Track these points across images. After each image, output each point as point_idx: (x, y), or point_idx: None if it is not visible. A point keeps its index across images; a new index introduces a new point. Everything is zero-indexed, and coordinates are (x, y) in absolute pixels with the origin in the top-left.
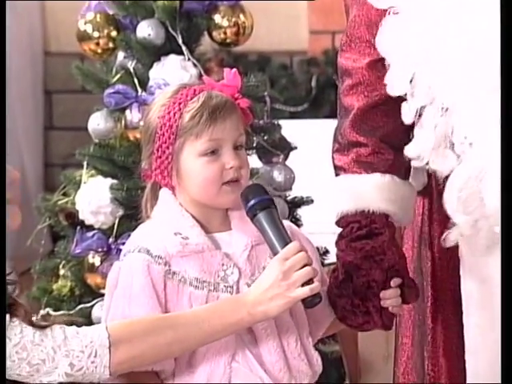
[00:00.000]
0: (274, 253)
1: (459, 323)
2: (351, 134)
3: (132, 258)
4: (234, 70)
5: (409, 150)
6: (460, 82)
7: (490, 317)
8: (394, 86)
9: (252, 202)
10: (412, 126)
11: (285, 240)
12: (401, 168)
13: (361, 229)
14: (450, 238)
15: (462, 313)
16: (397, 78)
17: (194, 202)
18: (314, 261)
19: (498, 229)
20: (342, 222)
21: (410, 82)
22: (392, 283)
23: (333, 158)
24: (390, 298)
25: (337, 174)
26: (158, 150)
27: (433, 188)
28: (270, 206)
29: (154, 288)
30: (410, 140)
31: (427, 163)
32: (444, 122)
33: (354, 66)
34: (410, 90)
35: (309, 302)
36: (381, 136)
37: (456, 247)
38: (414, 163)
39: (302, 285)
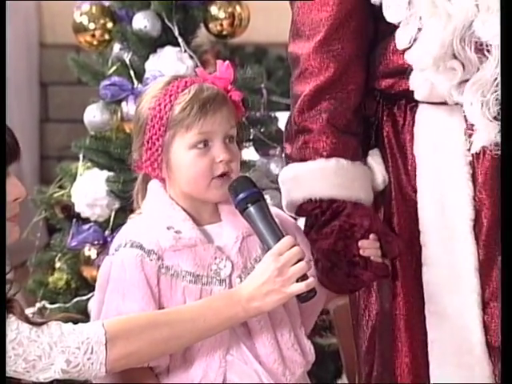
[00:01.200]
0: (267, 248)
1: (422, 312)
2: (298, 121)
3: (124, 252)
4: (227, 62)
5: (409, 54)
6: None
7: (457, 303)
8: (391, 12)
9: (241, 196)
10: (357, 109)
11: (277, 234)
12: (348, 150)
13: (324, 213)
14: (477, 143)
15: (423, 303)
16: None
17: (185, 194)
18: (303, 248)
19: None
20: (301, 212)
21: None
22: (370, 237)
23: (284, 147)
24: (368, 247)
25: (286, 163)
26: (148, 142)
27: (392, 185)
28: (260, 199)
29: (148, 283)
30: (356, 122)
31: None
32: (451, 28)
33: (300, 53)
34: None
35: (304, 297)
36: (327, 119)
37: (418, 239)
38: (415, 69)
39: (297, 280)
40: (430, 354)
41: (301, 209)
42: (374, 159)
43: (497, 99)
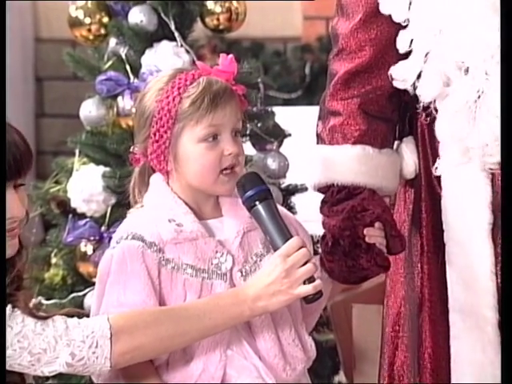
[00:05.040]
0: (275, 247)
1: (445, 308)
2: (330, 102)
3: (126, 244)
4: (231, 55)
5: (394, 71)
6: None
7: (472, 301)
8: (394, 12)
9: (250, 193)
10: (392, 95)
11: (285, 234)
12: (376, 137)
13: (340, 192)
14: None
15: (447, 298)
16: (396, 3)
17: (189, 188)
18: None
19: (490, 159)
20: (320, 188)
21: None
22: (376, 225)
23: (316, 124)
24: (373, 234)
25: (317, 142)
26: (155, 134)
27: (421, 176)
28: (268, 196)
29: (149, 275)
30: (391, 108)
31: (414, 88)
32: (436, 46)
33: (340, 31)
34: (408, 16)
35: (310, 299)
36: (359, 104)
37: (442, 236)
38: (396, 83)
39: (304, 282)
40: (451, 349)
41: (322, 187)
42: (408, 147)
43: None
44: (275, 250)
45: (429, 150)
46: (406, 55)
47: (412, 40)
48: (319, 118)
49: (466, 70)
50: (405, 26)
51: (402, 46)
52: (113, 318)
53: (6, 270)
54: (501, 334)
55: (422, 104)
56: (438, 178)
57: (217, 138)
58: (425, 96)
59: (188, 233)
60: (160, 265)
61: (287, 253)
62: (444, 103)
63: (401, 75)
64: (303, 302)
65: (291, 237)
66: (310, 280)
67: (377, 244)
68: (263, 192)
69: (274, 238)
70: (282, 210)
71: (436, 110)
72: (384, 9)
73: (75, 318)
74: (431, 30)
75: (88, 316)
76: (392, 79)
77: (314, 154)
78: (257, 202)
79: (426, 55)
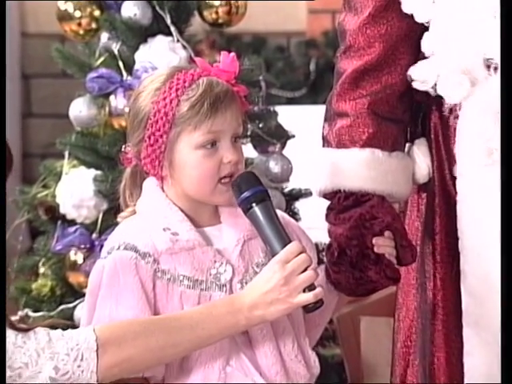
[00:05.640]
0: (273, 253)
1: (459, 322)
2: (337, 102)
3: (118, 255)
4: (232, 54)
5: (413, 72)
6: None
7: (488, 315)
8: (416, 12)
9: (246, 194)
10: (403, 94)
11: (283, 239)
12: (386, 140)
13: (347, 198)
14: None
15: (461, 311)
16: (419, 2)
17: (185, 195)
18: (309, 252)
19: None
20: (326, 195)
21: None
22: (385, 234)
23: (322, 126)
24: (383, 244)
25: (322, 145)
26: (149, 138)
27: (435, 180)
28: (266, 198)
29: (143, 287)
30: (402, 108)
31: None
32: (461, 44)
33: (348, 27)
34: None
35: (310, 308)
36: (369, 104)
37: (457, 244)
38: (415, 85)
39: (304, 290)
40: (465, 365)
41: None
42: (421, 149)
43: None
44: (273, 256)
45: (443, 152)
46: (419, 51)
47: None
48: (325, 120)
49: (495, 68)
50: (426, 27)
51: (427, 48)
52: (99, 329)
53: (5, 270)
54: (501, 333)
55: (447, 105)
56: (453, 181)
57: (216, 145)
58: (452, 97)
59: (184, 242)
60: (155, 277)
61: (286, 259)
62: (469, 102)
63: (421, 76)
64: (305, 313)
65: (290, 242)
66: (311, 288)
67: (386, 255)
68: (260, 193)
69: (271, 243)
70: (284, 216)
71: (456, 110)
72: (406, 8)
73: (59, 330)
74: (455, 27)
75: (76, 327)
76: (411, 80)
77: (320, 157)
78: (253, 204)
79: (449, 54)
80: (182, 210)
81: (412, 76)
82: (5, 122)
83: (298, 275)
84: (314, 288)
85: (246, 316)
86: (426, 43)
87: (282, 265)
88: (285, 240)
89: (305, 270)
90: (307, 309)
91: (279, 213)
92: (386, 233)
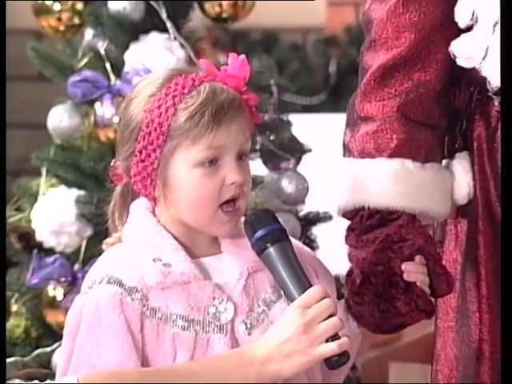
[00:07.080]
0: (290, 298)
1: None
2: (361, 104)
3: (100, 290)
4: (242, 56)
5: (456, 47)
6: None
7: None
8: None
9: (260, 233)
10: (440, 95)
11: (303, 283)
12: (419, 148)
13: (371, 217)
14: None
15: None
16: None
17: (179, 220)
18: (327, 288)
19: None
20: (349, 212)
21: None
22: (416, 259)
23: (344, 133)
24: (414, 271)
25: (343, 155)
26: (140, 152)
27: (478, 202)
28: (283, 238)
29: (129, 329)
30: (438, 111)
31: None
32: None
33: (374, 16)
34: None
35: (335, 362)
36: (398, 106)
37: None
38: (459, 61)
39: (326, 340)
40: None
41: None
42: (462, 164)
43: None
44: (291, 303)
45: (488, 170)
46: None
47: (474, 9)
48: (347, 125)
49: None
50: None
51: (461, 17)
52: (84, 379)
53: (5, 271)
54: (501, 333)
55: (492, 88)
56: (501, 203)
57: (217, 163)
58: (497, 78)
59: (178, 275)
60: (143, 316)
61: (306, 304)
62: None
63: (465, 51)
64: (328, 369)
65: (310, 286)
66: (334, 338)
67: (418, 283)
68: (277, 232)
69: (289, 288)
70: (298, 244)
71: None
72: None
73: (36, 382)
74: None
75: (51, 377)
76: (454, 57)
77: (340, 169)
78: (268, 245)
79: (495, 25)
80: (175, 238)
81: (454, 51)
82: (5, 123)
83: (319, 323)
84: (339, 338)
85: (258, 370)
86: (461, 11)
87: (302, 310)
88: (305, 285)
89: (328, 317)
90: (330, 363)
91: (293, 242)
92: (417, 257)
